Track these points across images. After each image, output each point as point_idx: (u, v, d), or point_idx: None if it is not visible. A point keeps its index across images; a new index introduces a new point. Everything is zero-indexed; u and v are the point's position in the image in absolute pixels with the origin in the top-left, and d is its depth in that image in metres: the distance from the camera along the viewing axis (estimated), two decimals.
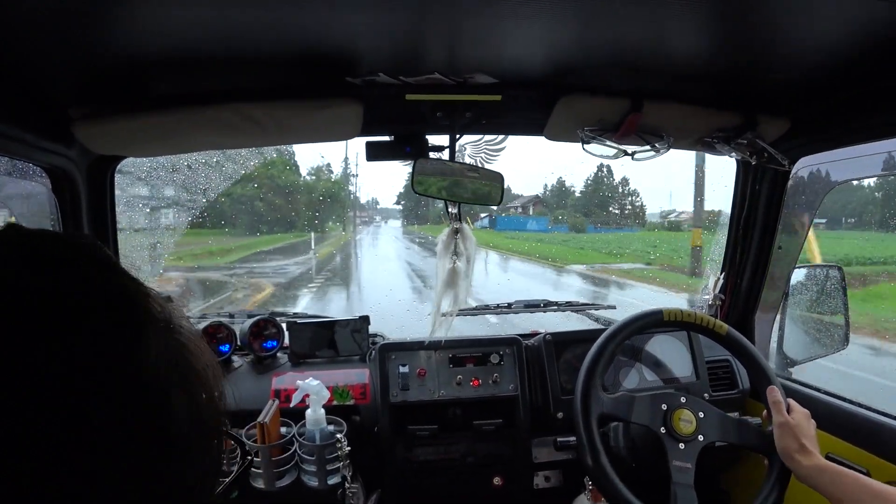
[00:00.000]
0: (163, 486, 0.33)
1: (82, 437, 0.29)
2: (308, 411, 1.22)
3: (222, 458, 0.40)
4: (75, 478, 0.29)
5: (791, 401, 1.09)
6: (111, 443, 0.30)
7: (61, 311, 0.31)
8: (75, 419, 0.29)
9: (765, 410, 1.10)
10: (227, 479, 0.43)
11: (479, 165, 1.34)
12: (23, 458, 0.28)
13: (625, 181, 27.62)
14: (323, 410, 1.23)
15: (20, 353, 0.29)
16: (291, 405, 1.27)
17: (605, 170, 27.15)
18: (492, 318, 1.78)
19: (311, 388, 1.22)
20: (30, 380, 0.29)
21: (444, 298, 1.26)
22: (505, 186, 1.28)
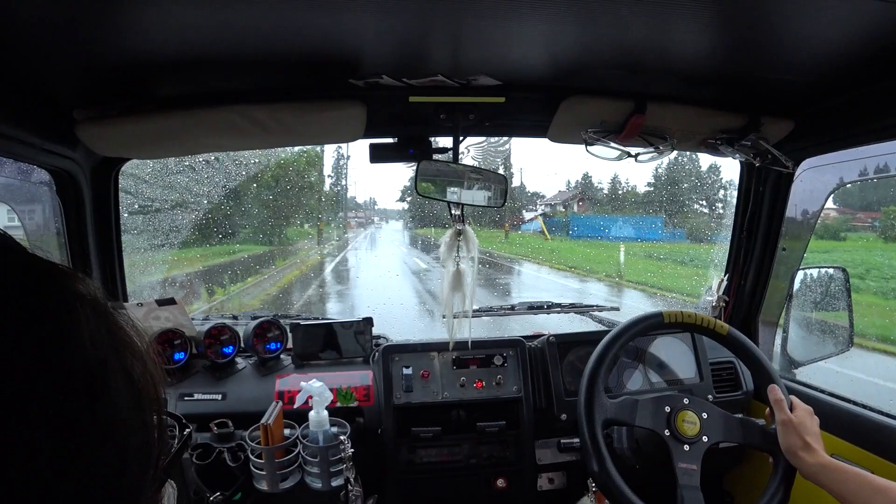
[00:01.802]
0: (101, 461, 0.33)
1: (18, 414, 0.30)
2: (311, 413, 1.22)
3: (163, 435, 0.41)
4: (11, 454, 0.29)
5: (794, 398, 1.09)
6: (48, 417, 0.31)
7: None
8: (8, 396, 0.29)
9: (768, 409, 1.10)
10: (168, 456, 0.43)
11: (483, 167, 1.34)
12: None
13: (714, 168, 17.91)
14: (326, 412, 1.23)
15: None
16: (295, 407, 1.27)
17: (686, 156, 20.92)
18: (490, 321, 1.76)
19: (315, 389, 1.22)
20: None
21: (453, 301, 1.27)
22: (509, 188, 1.28)
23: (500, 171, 1.33)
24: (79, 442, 0.32)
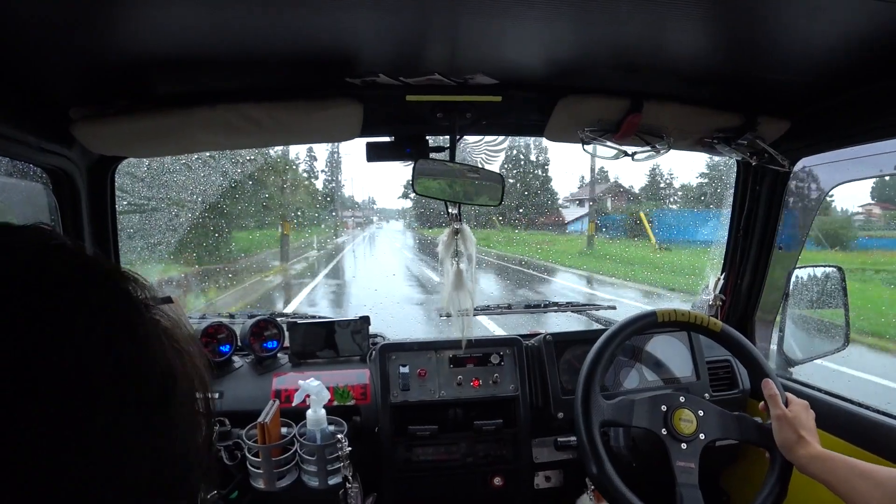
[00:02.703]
0: (159, 455, 0.34)
1: (89, 403, 0.31)
2: (309, 412, 1.22)
3: (212, 441, 0.42)
4: (82, 443, 0.30)
5: (789, 394, 1.10)
6: (117, 411, 0.32)
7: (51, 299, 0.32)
8: (84, 386, 0.31)
9: (762, 403, 1.11)
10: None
11: (480, 166, 1.34)
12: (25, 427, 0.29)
13: None
14: (324, 411, 1.23)
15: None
16: (293, 405, 1.27)
17: None
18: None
19: (312, 388, 1.22)
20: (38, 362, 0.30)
21: (455, 300, 1.27)
22: (505, 187, 1.28)
23: (496, 169, 1.33)
24: (156, 437, 0.33)
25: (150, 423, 0.33)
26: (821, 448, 0.99)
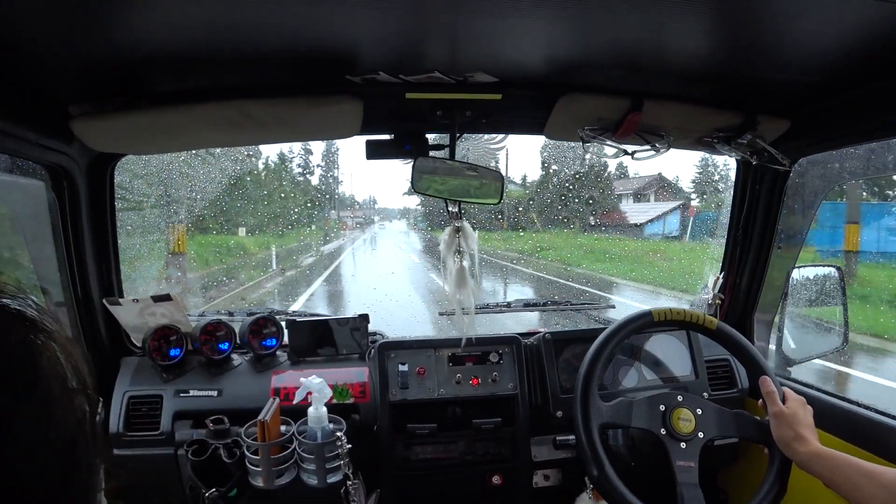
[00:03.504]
0: (52, 439, 0.36)
1: None
2: (310, 409, 1.22)
3: (95, 414, 0.43)
4: None
5: (786, 390, 1.10)
6: None
7: None
8: None
9: (760, 400, 1.11)
10: (99, 417, 0.46)
11: (479, 164, 1.34)
12: None
13: None
14: (325, 409, 1.23)
15: None
16: (294, 403, 1.27)
17: None
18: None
19: (314, 385, 1.22)
20: None
21: (457, 298, 1.27)
22: (505, 185, 1.28)
23: (495, 167, 1.33)
24: (27, 419, 0.35)
25: (15, 407, 0.34)
26: (820, 445, 0.99)
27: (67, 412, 0.38)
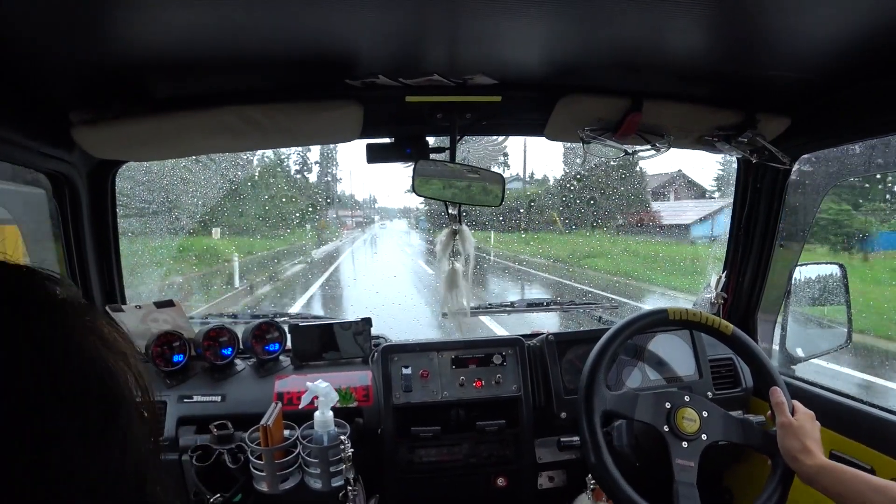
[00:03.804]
0: (112, 469, 0.33)
1: (33, 421, 0.29)
2: (317, 413, 1.22)
3: (159, 446, 0.40)
4: (30, 456, 0.29)
5: (796, 402, 1.09)
6: (62, 415, 0.30)
7: None
8: (24, 402, 0.29)
9: (770, 412, 1.10)
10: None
11: (480, 167, 1.34)
12: None
13: None
14: (331, 413, 1.23)
15: None
16: (300, 407, 1.26)
17: None
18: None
19: (321, 390, 1.22)
20: None
21: (450, 299, 1.27)
22: (505, 187, 1.29)
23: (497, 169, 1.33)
24: (103, 452, 0.32)
25: (97, 437, 0.31)
26: (828, 460, 0.98)
27: (142, 442, 0.35)
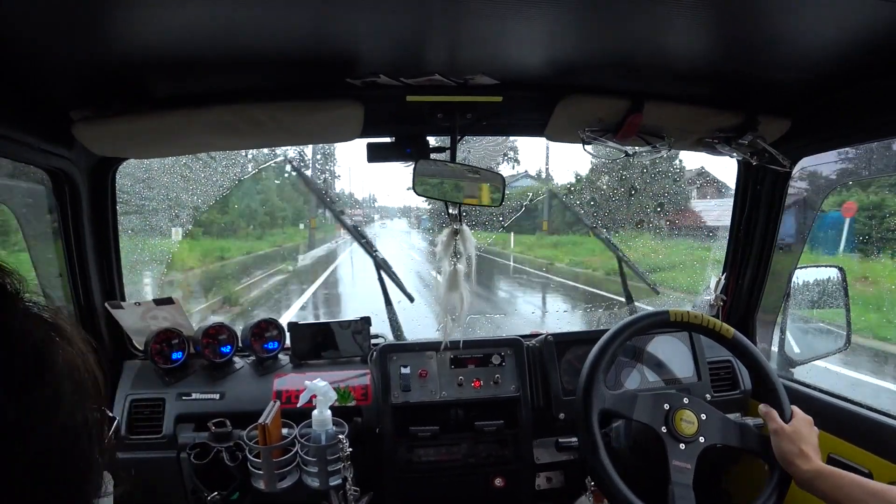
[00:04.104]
0: (55, 430, 0.38)
1: None
2: (315, 412, 1.22)
3: (104, 424, 0.44)
4: None
5: (794, 407, 1.09)
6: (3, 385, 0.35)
7: None
8: None
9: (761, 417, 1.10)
10: (113, 427, 0.48)
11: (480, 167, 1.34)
12: None
13: None
14: (329, 412, 1.23)
15: None
16: (299, 405, 1.27)
17: None
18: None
19: (319, 388, 1.22)
20: None
21: (448, 301, 1.27)
22: (505, 188, 1.28)
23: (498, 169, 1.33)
24: (35, 407, 0.36)
25: (22, 387, 0.36)
26: (825, 465, 0.98)
27: (75, 409, 0.39)
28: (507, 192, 1.28)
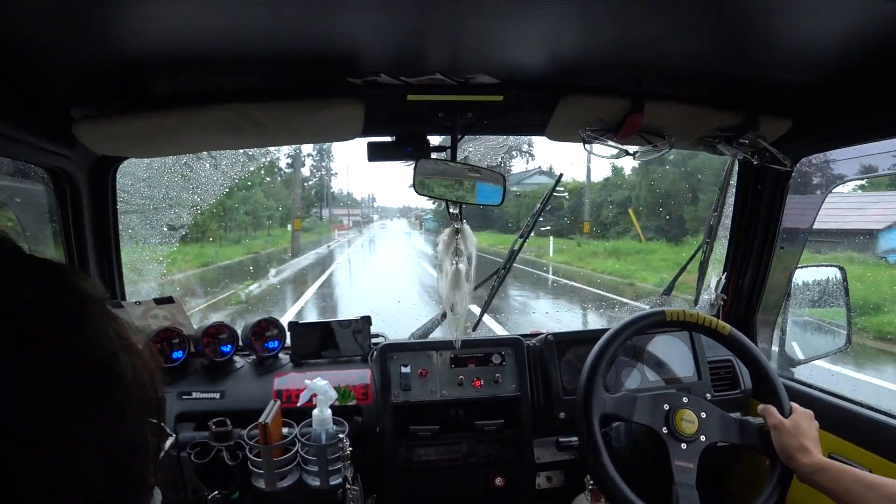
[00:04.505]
0: (115, 445, 0.37)
1: (40, 399, 0.33)
2: (315, 411, 1.22)
3: (163, 434, 0.44)
4: (35, 437, 0.32)
5: (794, 404, 1.09)
6: (72, 399, 0.34)
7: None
8: (33, 384, 0.33)
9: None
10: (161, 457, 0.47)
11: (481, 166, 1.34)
12: None
13: None
14: (329, 411, 1.23)
15: None
16: (299, 405, 1.27)
17: None
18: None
19: (319, 388, 1.22)
20: None
21: (452, 300, 1.27)
22: (507, 187, 1.28)
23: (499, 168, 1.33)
24: (97, 423, 0.35)
25: (90, 409, 0.35)
26: (823, 458, 0.98)
27: (137, 426, 0.39)
28: (524, 189, 1.27)
